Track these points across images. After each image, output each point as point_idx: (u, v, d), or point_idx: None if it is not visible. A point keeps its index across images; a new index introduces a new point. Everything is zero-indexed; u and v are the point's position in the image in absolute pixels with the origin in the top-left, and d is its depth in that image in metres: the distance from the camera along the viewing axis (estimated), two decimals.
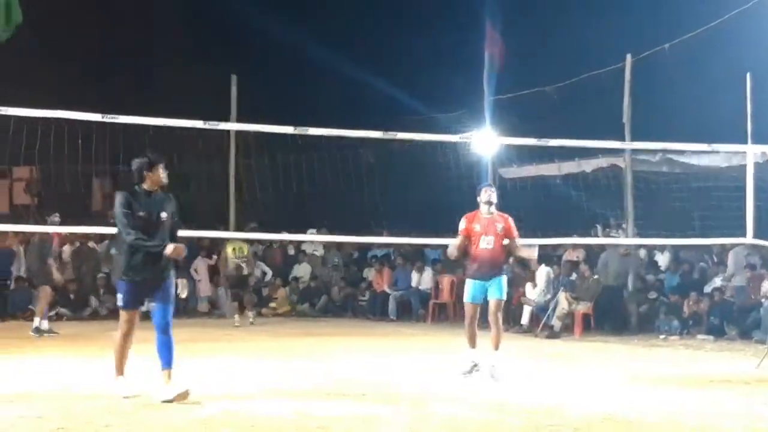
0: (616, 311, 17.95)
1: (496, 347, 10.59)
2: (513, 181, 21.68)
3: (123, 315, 8.64)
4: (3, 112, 14.03)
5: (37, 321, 16.27)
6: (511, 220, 10.91)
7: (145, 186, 8.67)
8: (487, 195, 10.84)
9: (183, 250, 8.60)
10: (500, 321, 10.78)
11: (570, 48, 24.05)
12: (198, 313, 20.87)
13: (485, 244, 10.63)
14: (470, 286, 10.76)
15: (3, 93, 16.84)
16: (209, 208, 20.96)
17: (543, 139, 14.95)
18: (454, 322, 19.34)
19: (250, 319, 18.89)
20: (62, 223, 17.63)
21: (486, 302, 10.78)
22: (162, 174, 8.71)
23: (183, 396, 8.31)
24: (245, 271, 19.30)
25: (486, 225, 10.68)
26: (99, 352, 12.92)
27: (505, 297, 10.84)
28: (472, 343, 10.75)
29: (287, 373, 10.90)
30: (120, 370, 8.71)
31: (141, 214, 8.51)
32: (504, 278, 10.79)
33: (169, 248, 8.42)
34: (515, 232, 10.89)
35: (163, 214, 8.62)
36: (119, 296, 8.68)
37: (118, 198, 8.59)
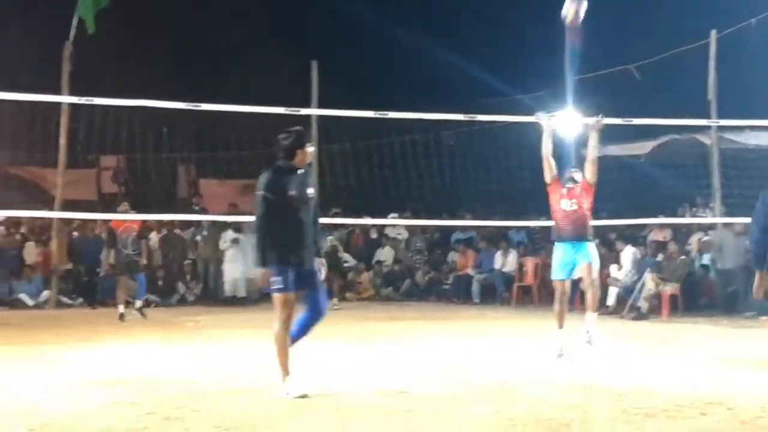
0: (705, 292, 17.73)
1: (594, 309, 10.60)
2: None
3: (281, 299, 8.00)
4: (90, 102, 14.33)
5: (138, 303, 16.85)
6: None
7: (293, 163, 8.22)
8: (570, 174, 10.98)
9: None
10: (596, 282, 10.75)
11: (654, 25, 23.68)
12: None
13: (569, 205, 10.77)
14: (559, 254, 10.79)
15: (89, 84, 17.21)
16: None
17: (627, 119, 14.77)
18: (539, 305, 19.26)
19: (335, 304, 18.97)
20: (148, 210, 17.95)
21: (574, 280, 10.86)
22: (309, 152, 8.34)
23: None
24: (340, 253, 19.54)
25: (568, 191, 10.82)
26: (187, 338, 13.19)
27: (595, 263, 10.77)
28: (560, 321, 10.72)
29: (372, 357, 10.94)
30: (286, 369, 8.06)
31: (293, 193, 8.07)
32: (591, 245, 10.75)
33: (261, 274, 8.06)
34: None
35: (310, 191, 8.25)
36: (274, 280, 7.99)
37: (264, 180, 8.09)
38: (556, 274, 10.79)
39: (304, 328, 8.28)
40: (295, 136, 8.27)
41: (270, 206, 8.00)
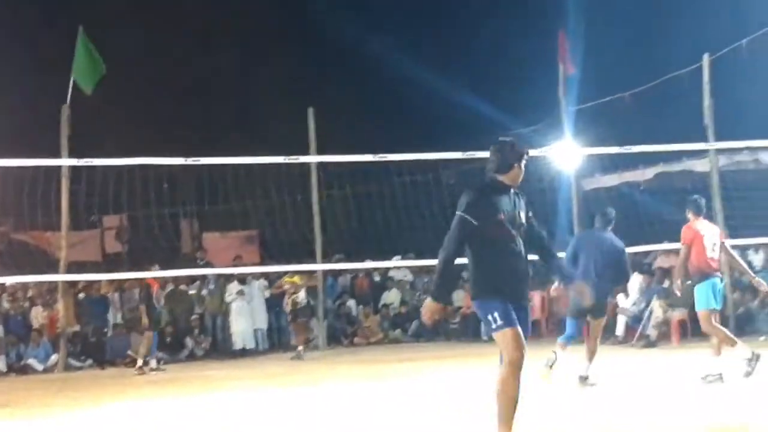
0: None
1: None
2: (596, 191, 21.47)
3: (508, 336, 6.80)
4: (89, 164, 14.40)
5: (153, 362, 17.35)
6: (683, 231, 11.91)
7: (505, 179, 6.92)
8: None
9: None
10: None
11: (646, 52, 23.79)
12: (291, 347, 20.99)
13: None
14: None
15: (88, 146, 17.31)
16: (295, 242, 21.13)
17: (625, 147, 14.81)
18: (548, 338, 19.19)
19: (300, 350, 18.65)
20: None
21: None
22: (522, 167, 7.01)
23: None
24: (304, 301, 19.19)
25: None
26: (197, 393, 13.13)
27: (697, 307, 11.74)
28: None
29: (391, 398, 10.88)
30: (509, 426, 6.81)
31: (502, 216, 6.76)
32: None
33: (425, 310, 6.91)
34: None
35: (522, 214, 6.91)
36: (492, 317, 6.77)
37: (466, 199, 6.77)
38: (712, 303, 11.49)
39: None
40: (511, 147, 6.97)
41: (468, 232, 6.72)
